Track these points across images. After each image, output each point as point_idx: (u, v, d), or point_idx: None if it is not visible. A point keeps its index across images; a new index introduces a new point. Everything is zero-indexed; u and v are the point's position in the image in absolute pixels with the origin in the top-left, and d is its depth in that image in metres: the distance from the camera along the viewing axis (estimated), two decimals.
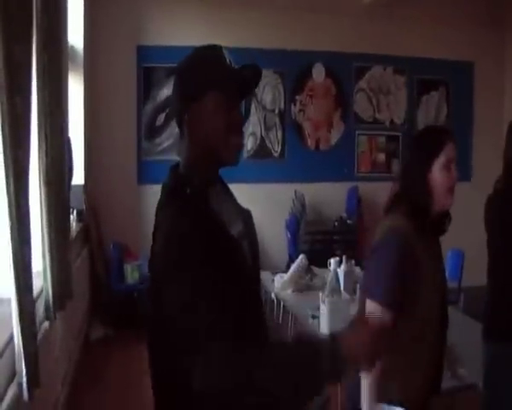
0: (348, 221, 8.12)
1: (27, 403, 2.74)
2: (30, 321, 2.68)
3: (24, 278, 2.62)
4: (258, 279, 1.91)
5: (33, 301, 2.80)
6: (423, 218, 2.43)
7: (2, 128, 2.46)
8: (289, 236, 7.90)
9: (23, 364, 2.67)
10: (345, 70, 8.56)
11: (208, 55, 1.75)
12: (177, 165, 1.79)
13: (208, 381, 1.47)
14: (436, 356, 2.48)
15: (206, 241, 1.57)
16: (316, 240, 7.84)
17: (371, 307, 2.42)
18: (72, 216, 6.01)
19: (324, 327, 3.93)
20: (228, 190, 1.87)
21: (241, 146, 1.77)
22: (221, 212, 1.75)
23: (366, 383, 2.33)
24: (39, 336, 3.52)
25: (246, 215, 1.86)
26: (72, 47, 6.40)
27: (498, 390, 2.88)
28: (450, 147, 2.49)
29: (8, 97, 2.44)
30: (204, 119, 1.68)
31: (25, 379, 2.69)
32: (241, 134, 1.75)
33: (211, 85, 1.68)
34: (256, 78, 1.77)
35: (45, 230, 3.75)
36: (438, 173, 2.45)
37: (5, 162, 2.50)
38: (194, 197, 1.69)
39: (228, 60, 1.72)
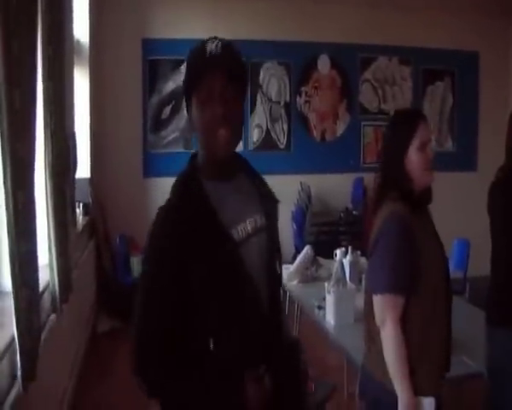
0: (354, 212, 8.11)
1: (22, 395, 2.74)
2: (26, 314, 2.67)
3: (21, 271, 2.63)
4: (270, 274, 1.88)
5: (33, 295, 2.79)
6: (410, 199, 2.48)
7: (0, 122, 2.47)
8: (295, 227, 7.90)
9: (18, 357, 2.67)
10: (350, 61, 8.55)
11: (190, 57, 1.80)
12: (195, 154, 1.89)
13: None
14: (445, 332, 2.51)
15: (175, 248, 1.69)
16: (322, 231, 7.85)
17: (379, 302, 2.45)
18: (78, 209, 6.04)
19: (330, 317, 3.95)
20: (242, 185, 1.89)
21: (225, 137, 1.72)
22: (221, 210, 1.76)
23: (395, 361, 2.38)
24: (46, 328, 3.56)
25: (262, 212, 1.89)
26: (78, 41, 6.41)
27: (500, 376, 2.91)
28: (423, 128, 2.51)
29: (7, 92, 2.46)
30: (193, 119, 1.77)
31: (19, 373, 2.69)
32: (224, 126, 1.72)
33: (191, 89, 1.76)
34: (223, 50, 1.75)
35: (51, 223, 3.77)
36: (414, 156, 2.48)
37: (2, 156, 2.51)
38: (190, 198, 1.77)
39: (208, 52, 1.73)
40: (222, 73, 1.72)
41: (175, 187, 1.81)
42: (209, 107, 1.72)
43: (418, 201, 2.51)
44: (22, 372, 2.69)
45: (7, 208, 2.54)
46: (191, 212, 1.73)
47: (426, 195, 2.57)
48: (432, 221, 2.63)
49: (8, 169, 2.50)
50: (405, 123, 2.55)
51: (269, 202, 1.93)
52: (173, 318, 1.70)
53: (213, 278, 1.70)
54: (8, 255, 2.60)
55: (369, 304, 2.55)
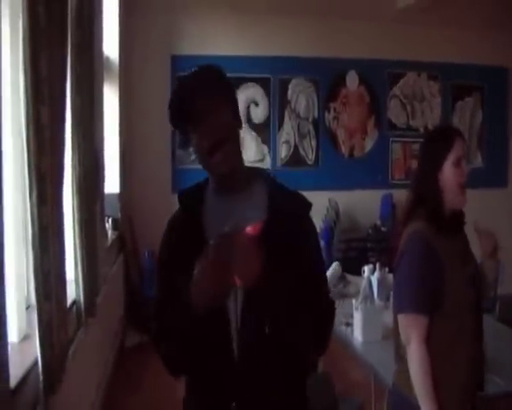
0: (382, 228, 8.06)
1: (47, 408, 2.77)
2: (50, 328, 2.69)
3: (44, 285, 2.65)
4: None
5: (60, 309, 2.82)
6: (439, 219, 2.47)
7: (26, 137, 2.51)
8: (323, 243, 7.88)
9: (40, 370, 2.68)
10: (378, 77, 8.54)
11: (170, 97, 1.86)
12: None
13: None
14: (475, 352, 2.49)
15: (173, 241, 1.93)
16: (350, 248, 7.82)
17: (403, 321, 2.45)
18: (107, 224, 6.09)
19: (358, 334, 3.92)
20: (249, 199, 1.88)
21: (217, 165, 1.79)
22: (215, 224, 1.79)
23: (420, 380, 2.36)
24: (74, 342, 3.58)
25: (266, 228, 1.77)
26: (108, 58, 6.50)
27: None
28: (459, 143, 2.51)
29: (33, 108, 2.50)
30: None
31: (41, 386, 2.70)
32: (216, 151, 1.76)
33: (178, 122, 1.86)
34: (195, 78, 1.82)
35: (77, 238, 3.81)
36: (448, 171, 2.48)
37: (28, 171, 2.55)
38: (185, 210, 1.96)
39: (181, 87, 1.83)
40: (200, 102, 1.77)
41: (178, 198, 1.98)
42: (197, 138, 1.79)
43: (446, 223, 2.49)
44: (45, 385, 2.70)
45: (32, 223, 2.58)
46: (181, 223, 1.93)
47: (457, 219, 2.56)
48: (466, 242, 2.61)
49: (34, 184, 2.54)
50: (442, 138, 2.56)
51: (283, 218, 1.83)
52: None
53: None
54: (32, 270, 2.63)
55: (396, 322, 2.54)
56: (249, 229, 1.63)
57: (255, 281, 1.62)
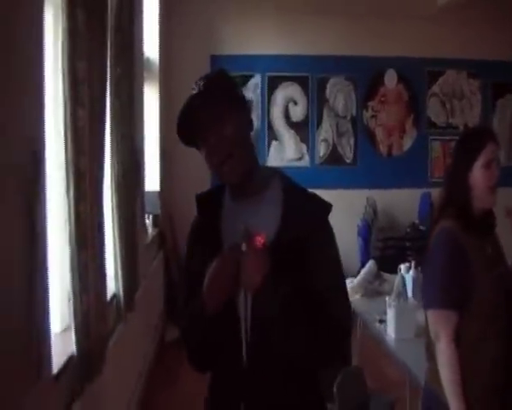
0: (421, 227, 8.01)
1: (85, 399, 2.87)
2: (85, 319, 2.78)
3: (81, 279, 2.75)
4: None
5: (99, 303, 2.91)
6: (468, 217, 2.48)
7: (65, 137, 2.62)
8: (361, 242, 7.89)
9: (76, 360, 2.79)
10: (417, 75, 8.49)
11: (182, 108, 1.88)
12: None
13: None
14: (502, 352, 2.47)
15: (193, 243, 2.01)
16: (388, 246, 7.81)
17: (431, 318, 2.48)
18: (147, 221, 6.21)
19: (391, 331, 3.94)
20: (263, 203, 1.88)
21: (226, 176, 1.83)
22: (228, 228, 1.88)
23: (449, 377, 2.39)
24: (114, 335, 3.70)
25: (277, 232, 1.81)
26: (148, 59, 6.62)
27: None
28: (490, 147, 2.52)
29: (72, 109, 2.61)
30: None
31: (78, 376, 2.80)
32: (226, 163, 1.79)
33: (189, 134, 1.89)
34: (206, 88, 1.83)
35: (116, 235, 3.93)
36: (477, 173, 2.49)
37: (66, 169, 2.66)
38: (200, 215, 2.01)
39: (192, 98, 1.83)
40: (209, 113, 1.79)
41: (196, 202, 2.02)
42: (207, 150, 1.82)
43: (476, 222, 2.50)
44: (82, 374, 2.80)
45: (69, 219, 2.68)
46: (200, 227, 2.00)
47: (487, 220, 2.57)
48: (497, 244, 2.62)
49: (72, 182, 2.65)
50: (474, 139, 2.59)
51: (297, 221, 1.81)
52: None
53: None
54: (69, 264, 2.74)
55: (426, 320, 2.57)
56: (254, 240, 1.67)
57: (257, 288, 1.69)
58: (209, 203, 1.98)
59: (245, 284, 1.72)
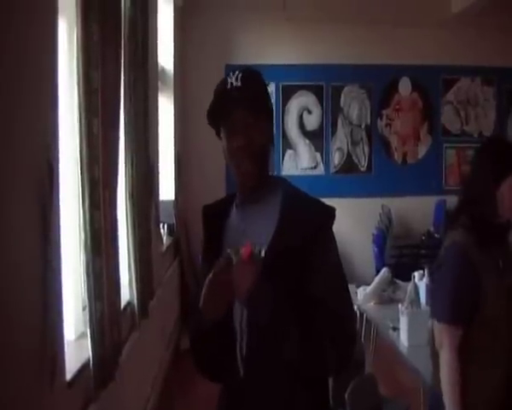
0: (436, 235, 7.98)
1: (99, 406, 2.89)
2: (99, 326, 2.81)
3: (96, 287, 2.79)
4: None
5: (113, 310, 2.95)
6: (485, 230, 2.43)
7: (79, 146, 2.67)
8: (376, 249, 7.88)
9: (91, 366, 2.81)
10: (431, 83, 8.50)
11: (215, 90, 1.87)
12: None
13: None
14: (506, 369, 2.44)
15: (202, 257, 2.03)
16: (402, 254, 7.80)
17: (437, 327, 2.48)
18: (162, 230, 6.25)
19: (404, 339, 3.95)
20: (264, 210, 1.88)
21: (249, 170, 1.83)
22: (228, 239, 1.91)
23: (449, 387, 2.39)
24: (128, 343, 3.73)
25: (272, 241, 1.79)
26: (163, 68, 6.67)
27: None
28: None
29: (86, 118, 2.66)
30: (223, 148, 1.89)
31: (92, 382, 2.83)
32: (248, 157, 1.81)
33: (217, 121, 1.87)
34: (243, 82, 1.80)
35: (131, 243, 3.97)
36: (507, 191, 2.42)
37: (81, 177, 2.70)
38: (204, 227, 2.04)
39: (228, 84, 1.81)
40: (242, 105, 1.79)
41: (203, 213, 2.06)
42: (233, 139, 1.82)
43: (488, 234, 2.45)
44: (96, 380, 2.83)
45: (83, 227, 2.72)
46: (207, 236, 2.02)
47: (501, 229, 2.52)
48: (509, 253, 2.57)
49: (86, 190, 2.69)
50: (507, 154, 2.48)
51: (294, 229, 1.80)
52: None
53: None
54: (83, 271, 2.77)
55: (432, 327, 2.57)
56: (242, 252, 1.69)
57: (246, 298, 1.71)
58: (215, 215, 2.00)
59: (236, 295, 1.73)
